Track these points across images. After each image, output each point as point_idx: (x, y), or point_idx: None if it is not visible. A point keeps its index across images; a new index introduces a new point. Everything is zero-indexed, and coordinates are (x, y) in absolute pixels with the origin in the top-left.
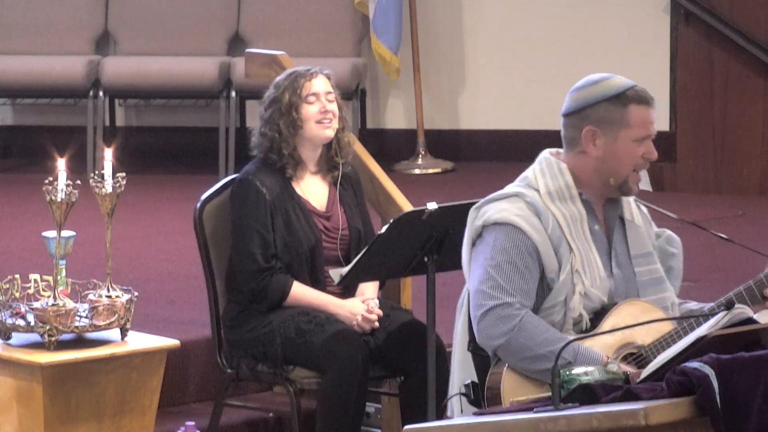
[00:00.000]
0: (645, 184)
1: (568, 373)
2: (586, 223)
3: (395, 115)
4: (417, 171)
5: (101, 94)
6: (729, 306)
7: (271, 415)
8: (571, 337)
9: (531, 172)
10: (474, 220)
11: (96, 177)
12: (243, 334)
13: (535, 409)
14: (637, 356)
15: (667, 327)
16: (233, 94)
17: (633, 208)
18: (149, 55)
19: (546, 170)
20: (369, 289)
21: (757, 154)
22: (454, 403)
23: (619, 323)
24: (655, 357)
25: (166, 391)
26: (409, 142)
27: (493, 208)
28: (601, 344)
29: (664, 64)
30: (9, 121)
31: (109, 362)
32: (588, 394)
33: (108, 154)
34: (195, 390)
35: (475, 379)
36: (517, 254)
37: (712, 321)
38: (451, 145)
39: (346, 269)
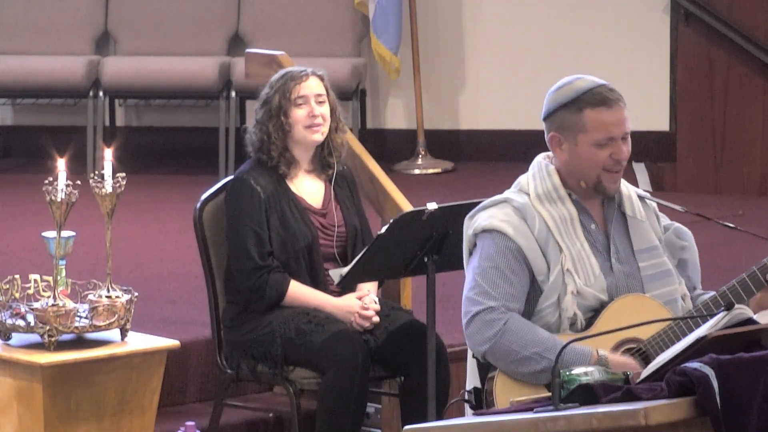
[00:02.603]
0: (645, 184)
1: (568, 373)
2: (577, 222)
3: (395, 115)
4: (417, 171)
5: (101, 94)
6: (729, 307)
7: (271, 415)
8: (558, 337)
9: (524, 176)
10: (467, 229)
11: (96, 177)
12: (243, 334)
13: (535, 409)
14: (637, 350)
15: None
16: (233, 94)
17: (635, 204)
18: (149, 55)
19: (536, 173)
20: (366, 288)
21: (757, 154)
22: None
23: (614, 319)
24: (655, 351)
25: (166, 391)
26: (409, 142)
27: (482, 216)
28: (598, 341)
29: (664, 64)
30: (9, 121)
31: (109, 362)
32: (588, 394)
33: (108, 154)
34: (195, 390)
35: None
36: (502, 259)
37: (712, 321)
38: (451, 145)
39: (345, 269)
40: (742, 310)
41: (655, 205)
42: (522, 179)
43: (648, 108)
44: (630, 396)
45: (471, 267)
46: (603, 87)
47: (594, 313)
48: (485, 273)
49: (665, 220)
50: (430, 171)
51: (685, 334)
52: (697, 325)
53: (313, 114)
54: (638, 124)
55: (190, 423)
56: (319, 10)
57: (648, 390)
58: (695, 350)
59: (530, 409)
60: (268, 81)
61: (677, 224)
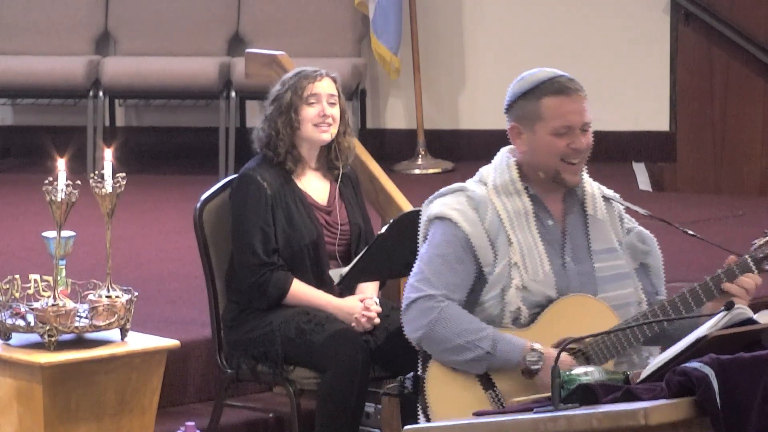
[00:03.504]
0: (645, 184)
1: (568, 373)
2: (532, 216)
3: (395, 115)
4: (417, 171)
5: (101, 94)
6: (729, 307)
7: (271, 415)
8: (491, 328)
9: (486, 167)
10: (423, 215)
11: (96, 177)
12: (243, 334)
13: (535, 410)
14: (578, 351)
15: (610, 324)
16: (233, 94)
17: (598, 203)
18: (149, 55)
19: (498, 165)
20: (369, 289)
21: (757, 154)
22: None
23: (557, 318)
24: (596, 354)
25: (166, 391)
26: (409, 142)
27: (437, 203)
28: (538, 337)
29: (664, 64)
30: (9, 121)
31: (109, 362)
32: (588, 394)
33: (108, 154)
34: (195, 390)
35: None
36: (448, 247)
37: (711, 321)
38: (451, 145)
39: (345, 269)
40: (742, 310)
41: (621, 208)
42: (484, 170)
43: (648, 108)
44: (630, 396)
45: (420, 252)
46: (563, 77)
47: (540, 309)
48: (431, 260)
49: (630, 223)
50: (430, 171)
51: (628, 342)
52: (642, 332)
53: (323, 113)
54: (638, 124)
55: (190, 423)
56: (319, 10)
57: (648, 390)
58: (695, 350)
59: (530, 409)
60: (271, 83)
61: (640, 228)
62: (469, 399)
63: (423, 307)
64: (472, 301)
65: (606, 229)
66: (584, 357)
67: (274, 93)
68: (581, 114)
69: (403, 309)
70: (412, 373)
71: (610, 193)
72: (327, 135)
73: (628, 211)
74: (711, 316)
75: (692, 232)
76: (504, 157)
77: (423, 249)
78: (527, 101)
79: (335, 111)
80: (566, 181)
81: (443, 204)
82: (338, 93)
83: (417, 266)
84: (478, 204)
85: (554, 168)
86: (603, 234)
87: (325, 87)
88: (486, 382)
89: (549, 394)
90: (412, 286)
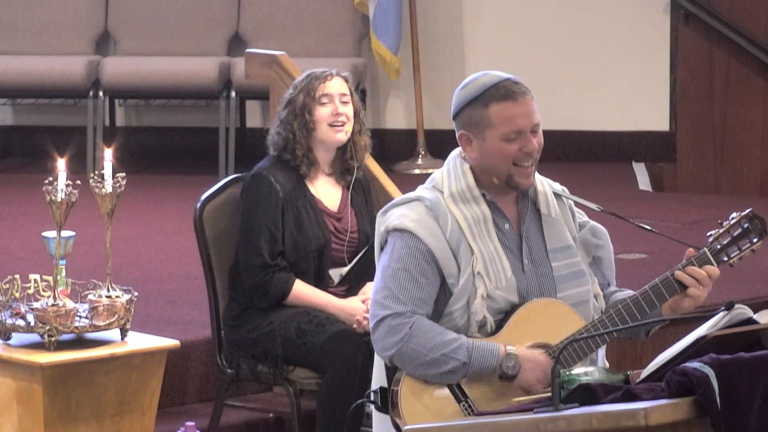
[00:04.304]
0: (645, 184)
1: (568, 373)
2: (491, 223)
3: (395, 115)
4: (417, 171)
5: (101, 94)
6: (729, 306)
7: (271, 415)
8: (464, 338)
9: (438, 173)
10: (379, 225)
11: (96, 177)
12: (243, 334)
13: (535, 410)
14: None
15: (575, 326)
16: (233, 94)
17: (551, 201)
18: (149, 55)
19: (451, 171)
20: (370, 290)
21: (757, 154)
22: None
23: (524, 323)
24: (565, 357)
25: (166, 391)
26: (409, 142)
27: (394, 214)
28: (509, 342)
29: (664, 64)
30: (9, 121)
31: (109, 362)
32: (588, 394)
33: (108, 154)
34: (195, 390)
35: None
36: (411, 261)
37: (711, 321)
38: (451, 145)
39: (345, 269)
40: (742, 310)
41: (571, 202)
42: (437, 175)
43: (648, 108)
44: (630, 396)
45: (381, 266)
46: (508, 81)
47: (504, 315)
48: (395, 275)
49: (582, 217)
50: (430, 171)
51: (596, 343)
52: (612, 337)
53: (337, 112)
54: (638, 124)
55: (190, 423)
56: (319, 10)
57: (648, 390)
58: (695, 350)
59: (530, 410)
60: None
61: (592, 222)
62: (442, 412)
63: (392, 324)
64: (437, 312)
65: (560, 227)
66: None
67: (287, 97)
68: (530, 117)
69: (371, 327)
70: (378, 386)
71: (558, 187)
72: (342, 135)
73: (580, 206)
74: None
75: (648, 227)
76: (457, 162)
77: (383, 262)
78: (474, 109)
79: (348, 109)
80: (520, 185)
81: (402, 216)
82: (350, 92)
83: (380, 282)
84: (438, 214)
85: (507, 172)
86: (558, 232)
87: (337, 86)
88: (459, 392)
89: (533, 395)
90: (378, 303)
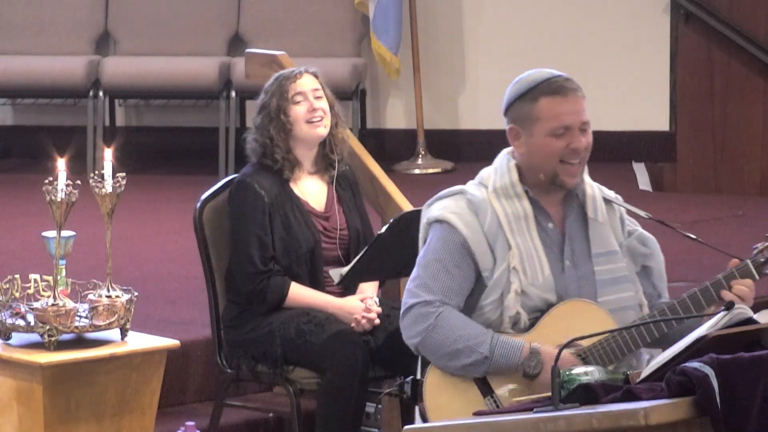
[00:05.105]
0: (645, 184)
1: (568, 373)
2: (532, 220)
3: (395, 115)
4: (417, 171)
5: (101, 94)
6: (729, 306)
7: (271, 415)
8: (490, 332)
9: (487, 169)
10: (423, 218)
11: (96, 177)
12: (243, 334)
13: (535, 410)
14: (576, 356)
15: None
16: (233, 94)
17: (599, 205)
18: (149, 55)
19: (498, 168)
20: (369, 289)
21: (757, 154)
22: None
23: (556, 323)
24: (594, 359)
25: (166, 391)
26: (409, 142)
27: (436, 207)
28: (538, 341)
29: (664, 64)
30: (9, 121)
31: (109, 362)
32: (588, 394)
33: (108, 154)
34: (195, 390)
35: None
36: (446, 252)
37: (711, 321)
38: (451, 145)
39: (345, 269)
40: (742, 310)
41: (623, 210)
42: (484, 172)
43: (648, 108)
44: (630, 396)
45: (419, 256)
46: (560, 77)
47: (540, 314)
48: (428, 265)
49: (632, 225)
50: (430, 171)
51: (627, 346)
52: (641, 336)
53: (313, 108)
54: (638, 124)
55: (190, 423)
56: (319, 10)
57: (648, 390)
58: (695, 350)
59: (530, 409)
60: (263, 88)
61: (641, 230)
62: (467, 405)
63: (420, 312)
64: (470, 306)
65: (606, 232)
66: (583, 362)
67: (260, 103)
68: (579, 114)
69: (401, 314)
70: (411, 377)
71: (611, 194)
72: (322, 129)
73: (631, 214)
74: (711, 316)
75: (693, 236)
76: (505, 159)
77: (421, 253)
78: (524, 103)
79: (323, 104)
80: (565, 183)
81: (443, 207)
82: (322, 86)
83: (415, 271)
84: (478, 207)
85: (553, 169)
86: (603, 237)
87: (308, 83)
88: (484, 387)
89: (549, 393)
90: (410, 291)
